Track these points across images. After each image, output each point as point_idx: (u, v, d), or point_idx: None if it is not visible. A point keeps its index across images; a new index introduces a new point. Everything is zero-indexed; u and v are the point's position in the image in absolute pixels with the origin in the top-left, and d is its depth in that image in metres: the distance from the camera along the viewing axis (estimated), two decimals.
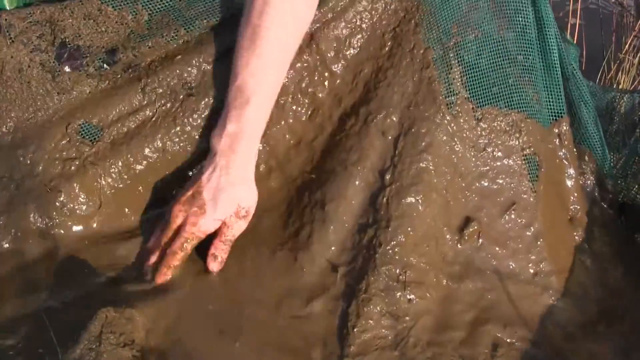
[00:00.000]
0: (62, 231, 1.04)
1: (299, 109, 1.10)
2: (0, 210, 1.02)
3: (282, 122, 1.10)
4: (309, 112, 1.10)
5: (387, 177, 1.00)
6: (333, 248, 0.99)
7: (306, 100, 1.10)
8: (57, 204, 1.04)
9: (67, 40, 1.07)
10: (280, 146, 1.10)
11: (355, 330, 0.91)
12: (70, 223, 1.04)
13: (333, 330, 0.92)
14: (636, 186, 1.03)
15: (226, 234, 0.97)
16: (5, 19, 1.05)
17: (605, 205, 1.08)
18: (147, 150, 1.09)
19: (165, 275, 0.96)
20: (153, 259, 0.98)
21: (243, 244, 1.00)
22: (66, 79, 1.07)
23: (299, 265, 0.99)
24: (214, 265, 0.97)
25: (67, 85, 1.07)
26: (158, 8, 1.08)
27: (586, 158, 1.09)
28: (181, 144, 1.10)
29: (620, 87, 1.48)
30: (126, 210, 1.06)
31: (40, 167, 1.05)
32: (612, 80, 1.50)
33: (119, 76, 1.08)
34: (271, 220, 1.05)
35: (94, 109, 1.08)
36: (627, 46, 1.48)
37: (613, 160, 1.06)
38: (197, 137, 1.10)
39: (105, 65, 1.09)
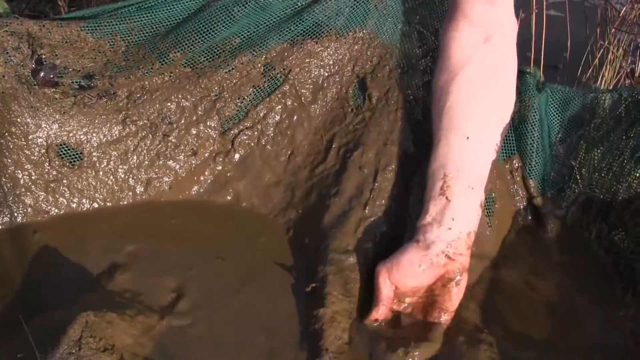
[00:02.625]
0: (43, 238, 1.06)
1: (279, 149, 1.17)
2: None
3: (262, 163, 1.17)
4: (289, 153, 1.17)
5: (367, 209, 1.06)
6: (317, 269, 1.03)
7: (285, 141, 1.17)
8: (43, 220, 1.07)
9: (43, 57, 1.05)
10: (262, 184, 1.17)
11: (339, 341, 0.95)
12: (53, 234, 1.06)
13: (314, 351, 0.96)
14: (616, 183, 1.08)
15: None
16: None
17: (558, 235, 1.14)
18: (131, 181, 1.14)
19: None
20: None
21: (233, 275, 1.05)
22: (41, 95, 1.07)
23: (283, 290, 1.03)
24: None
25: (42, 101, 1.07)
26: (135, 40, 1.09)
27: (534, 190, 1.15)
28: (165, 179, 1.16)
29: (604, 79, 1.53)
30: (109, 228, 1.09)
31: (22, 187, 1.08)
32: (595, 71, 1.56)
33: (95, 101, 1.10)
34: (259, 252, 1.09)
35: (73, 131, 1.09)
36: (609, 38, 1.52)
37: (597, 154, 1.11)
38: (180, 173, 1.16)
39: (81, 88, 1.08)
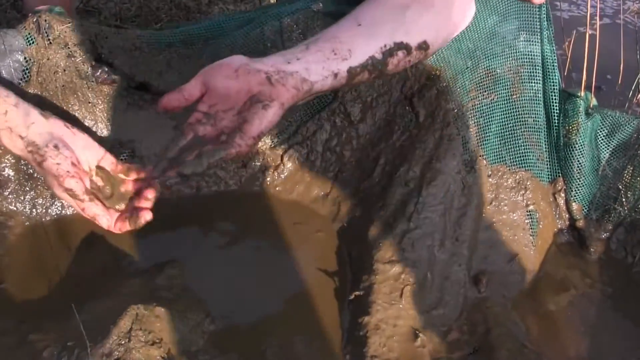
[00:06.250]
0: (94, 228, 1.06)
1: (327, 166, 1.20)
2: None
3: (310, 179, 1.19)
4: (336, 169, 1.20)
5: (412, 222, 1.07)
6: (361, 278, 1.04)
7: (333, 159, 1.20)
8: None
9: (103, 55, 1.08)
10: (309, 198, 1.19)
11: (384, 348, 0.96)
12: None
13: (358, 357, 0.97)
14: None
15: None
16: (45, 20, 1.06)
17: (601, 257, 1.15)
18: (180, 186, 1.17)
19: None
20: None
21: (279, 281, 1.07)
22: (98, 92, 1.10)
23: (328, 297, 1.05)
24: None
25: (99, 97, 1.10)
26: (189, 54, 1.12)
27: (577, 213, 1.16)
28: (213, 187, 1.18)
29: None
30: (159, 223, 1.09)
31: None
32: None
33: (149, 105, 1.12)
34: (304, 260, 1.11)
35: (127, 130, 1.12)
36: None
37: None
38: (230, 184, 1.19)
39: (136, 89, 1.11)
